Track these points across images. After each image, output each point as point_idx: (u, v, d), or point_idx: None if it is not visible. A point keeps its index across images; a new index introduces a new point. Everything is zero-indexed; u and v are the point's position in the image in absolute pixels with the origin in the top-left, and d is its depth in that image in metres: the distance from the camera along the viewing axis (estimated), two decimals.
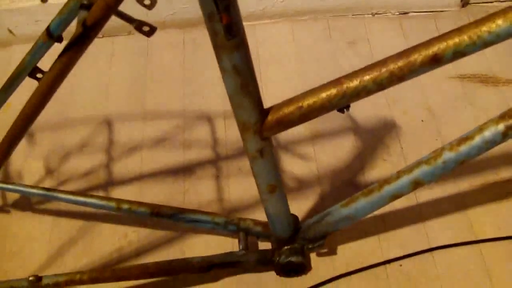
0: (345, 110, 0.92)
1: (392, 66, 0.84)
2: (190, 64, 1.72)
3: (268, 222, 1.16)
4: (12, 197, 1.47)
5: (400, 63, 0.84)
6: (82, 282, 1.17)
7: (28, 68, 0.99)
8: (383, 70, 0.85)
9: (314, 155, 1.48)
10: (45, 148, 1.56)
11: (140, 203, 1.24)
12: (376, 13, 1.79)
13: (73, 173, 1.50)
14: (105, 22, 0.77)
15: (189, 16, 1.77)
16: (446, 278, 1.27)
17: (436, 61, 0.82)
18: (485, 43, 0.78)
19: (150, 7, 0.85)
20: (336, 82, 0.89)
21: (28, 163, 1.53)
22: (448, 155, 0.96)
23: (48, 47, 0.97)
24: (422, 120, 1.53)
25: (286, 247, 1.20)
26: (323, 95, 0.89)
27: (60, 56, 0.80)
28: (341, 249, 1.32)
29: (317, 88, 0.90)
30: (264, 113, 0.92)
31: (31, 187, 1.31)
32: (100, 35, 1.77)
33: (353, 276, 1.29)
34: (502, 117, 0.90)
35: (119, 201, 1.24)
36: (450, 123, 1.52)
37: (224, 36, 0.78)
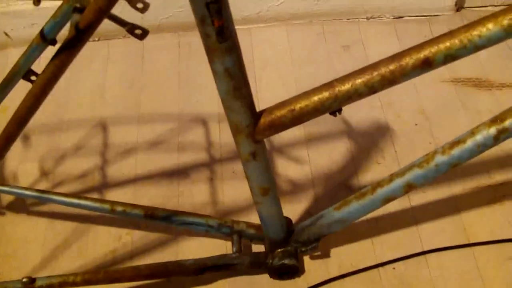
0: (337, 113, 0.92)
1: (383, 70, 0.85)
2: (185, 67, 1.72)
3: (261, 225, 1.16)
4: (6, 199, 1.47)
5: (392, 66, 0.84)
6: (75, 284, 1.18)
7: (22, 71, 0.99)
8: (375, 73, 0.85)
9: (308, 158, 1.48)
10: (40, 150, 1.56)
11: (134, 205, 1.24)
12: (371, 17, 1.80)
13: (68, 175, 1.51)
14: (97, 25, 0.77)
15: (184, 20, 1.78)
16: (439, 281, 1.27)
17: (427, 65, 0.82)
18: (476, 47, 0.79)
19: (143, 10, 0.85)
20: (328, 85, 0.89)
21: (23, 165, 1.53)
22: (440, 158, 0.96)
23: (42, 50, 0.97)
24: (416, 124, 1.53)
25: (279, 250, 1.20)
26: (315, 98, 0.89)
27: (53, 58, 0.81)
28: (334, 252, 1.33)
29: (309, 91, 0.91)
30: (257, 116, 0.92)
31: (26, 189, 1.31)
32: (96, 38, 1.80)
33: (346, 279, 1.29)
34: (494, 120, 0.90)
35: (113, 203, 1.24)
36: (444, 127, 1.52)
37: (216, 39, 0.79)
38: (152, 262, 1.23)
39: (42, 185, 1.49)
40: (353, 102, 0.89)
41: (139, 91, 1.67)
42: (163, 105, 1.64)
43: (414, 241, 1.33)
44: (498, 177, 1.42)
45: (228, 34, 0.79)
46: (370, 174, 1.44)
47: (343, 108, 0.91)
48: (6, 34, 1.80)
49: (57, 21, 0.92)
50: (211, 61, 0.83)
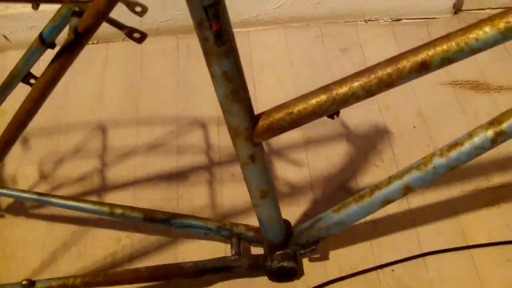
0: (335, 116, 0.93)
1: (381, 73, 0.85)
2: (184, 70, 1.73)
3: (260, 228, 1.16)
4: (6, 201, 1.47)
5: (389, 69, 0.85)
6: (75, 287, 1.17)
7: (21, 74, 1.00)
8: (372, 76, 0.86)
9: (306, 160, 1.49)
10: (39, 153, 1.56)
11: (133, 208, 1.25)
12: (368, 20, 1.80)
13: (67, 178, 1.51)
14: (96, 29, 0.78)
15: (183, 23, 1.78)
16: (438, 283, 1.28)
17: (424, 68, 0.83)
18: (473, 50, 0.79)
19: (141, 14, 0.86)
20: (326, 88, 0.90)
21: (22, 167, 1.53)
22: (438, 161, 0.97)
23: (41, 53, 0.98)
24: (414, 126, 1.53)
25: (278, 252, 1.20)
26: (313, 101, 0.90)
27: (52, 62, 0.81)
28: (333, 254, 1.33)
29: (307, 94, 0.91)
30: (255, 119, 0.93)
31: (25, 191, 1.31)
32: (94, 41, 1.81)
33: (345, 281, 1.30)
34: (491, 123, 0.91)
35: (112, 206, 1.25)
36: (442, 129, 1.53)
37: (214, 42, 0.79)
38: (151, 265, 1.24)
39: (41, 188, 1.49)
40: (351, 105, 0.90)
41: (138, 94, 1.68)
42: (162, 108, 1.64)
43: (413, 244, 1.33)
44: (496, 179, 1.43)
45: (226, 38, 0.80)
46: (369, 177, 1.45)
47: (341, 111, 0.92)
48: (5, 37, 1.80)
49: (56, 25, 0.93)
50: (209, 65, 0.84)
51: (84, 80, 1.72)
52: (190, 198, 1.44)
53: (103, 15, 0.75)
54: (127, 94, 1.68)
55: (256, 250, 1.30)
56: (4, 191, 1.31)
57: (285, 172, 1.47)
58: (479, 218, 1.37)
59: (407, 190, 1.03)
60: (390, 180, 1.04)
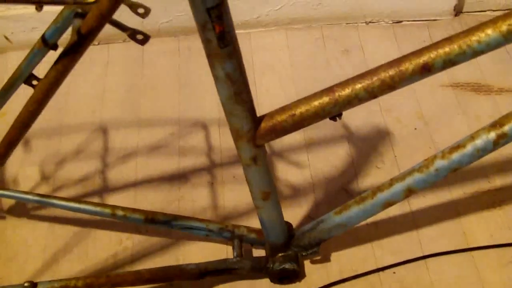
0: (337, 118, 0.93)
1: (383, 75, 0.85)
2: (185, 71, 1.73)
3: (262, 229, 1.16)
4: (7, 202, 1.47)
5: (391, 71, 0.85)
6: None
7: (24, 75, 1.00)
8: (375, 78, 0.86)
9: (308, 162, 1.49)
10: (41, 154, 1.56)
11: (135, 210, 1.25)
12: (370, 22, 1.80)
13: (69, 179, 1.51)
14: (99, 31, 0.78)
15: (184, 24, 1.78)
16: (439, 285, 1.28)
17: (426, 70, 0.83)
18: (475, 52, 0.79)
19: (144, 15, 0.86)
20: (328, 90, 0.90)
21: (23, 169, 1.53)
22: (440, 163, 0.97)
23: (43, 54, 0.98)
24: (415, 128, 1.53)
25: (280, 254, 1.20)
26: (316, 103, 0.90)
27: (55, 63, 0.81)
28: (334, 256, 1.33)
29: (309, 96, 0.91)
30: (257, 121, 0.93)
31: (26, 193, 1.32)
32: (95, 42, 1.80)
33: (346, 283, 1.30)
34: (493, 125, 0.91)
35: (113, 207, 1.25)
36: (443, 131, 1.53)
37: (217, 44, 0.79)
38: (153, 267, 1.24)
39: (43, 189, 1.49)
40: (353, 107, 0.90)
41: (139, 95, 1.68)
42: (163, 109, 1.64)
43: (414, 246, 1.33)
44: (498, 181, 1.43)
45: (229, 39, 0.80)
46: (370, 179, 1.45)
47: (343, 113, 0.92)
48: (6, 38, 1.80)
49: (58, 26, 0.93)
50: (212, 66, 0.84)
51: (85, 81, 1.72)
52: (192, 200, 1.44)
53: (106, 17, 0.75)
54: (128, 96, 1.68)
55: (258, 252, 1.30)
56: (6, 192, 1.32)
57: (287, 173, 1.47)
58: (480, 220, 1.37)
59: (409, 192, 1.02)
60: (392, 182, 1.04)
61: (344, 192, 1.43)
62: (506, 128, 0.89)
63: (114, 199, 1.46)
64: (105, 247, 1.38)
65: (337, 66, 1.69)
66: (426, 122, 1.54)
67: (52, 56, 0.94)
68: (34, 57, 0.97)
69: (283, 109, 0.93)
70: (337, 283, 1.29)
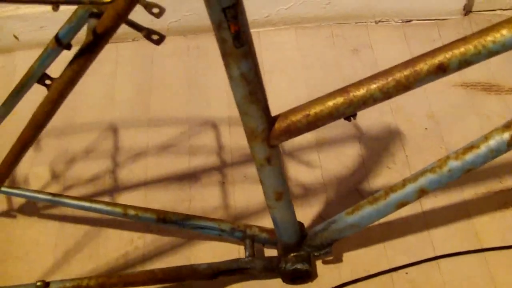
0: (351, 118, 0.92)
1: (398, 75, 0.85)
2: (194, 70, 1.73)
3: (274, 229, 1.16)
4: (17, 201, 1.47)
5: (406, 72, 0.85)
6: None
7: (37, 75, 0.99)
8: (390, 79, 0.86)
9: (319, 162, 1.48)
10: (51, 153, 1.56)
11: (146, 209, 1.25)
12: (379, 21, 1.80)
13: (79, 178, 1.51)
14: (115, 31, 0.78)
15: (194, 23, 1.78)
16: (452, 286, 1.27)
17: (442, 70, 0.83)
18: (490, 53, 0.79)
19: (158, 15, 0.86)
20: (343, 90, 0.89)
21: (34, 168, 1.53)
22: (453, 163, 0.96)
23: (56, 54, 0.97)
24: (426, 128, 1.53)
25: (292, 254, 1.20)
26: (330, 103, 0.90)
27: (70, 63, 0.81)
28: (346, 256, 1.33)
29: (324, 97, 0.91)
30: (272, 121, 0.93)
31: (38, 192, 1.32)
32: None
33: (359, 284, 1.29)
34: (507, 126, 0.91)
35: (125, 207, 1.25)
36: (454, 131, 1.52)
37: (233, 44, 0.79)
38: (164, 266, 1.23)
39: (53, 188, 1.49)
40: (368, 108, 0.90)
41: (149, 94, 1.68)
42: (172, 109, 1.64)
43: (426, 246, 1.33)
44: (510, 182, 1.42)
45: (244, 39, 0.80)
46: (381, 179, 1.44)
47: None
48: (15, 36, 1.81)
49: (72, 26, 0.93)
50: (227, 66, 0.84)
51: (94, 80, 1.71)
52: (202, 199, 1.44)
53: (122, 17, 0.74)
54: (138, 95, 1.68)
55: (269, 252, 1.30)
56: (17, 191, 1.32)
57: (298, 173, 1.47)
58: (492, 220, 1.36)
59: (422, 192, 1.02)
60: (404, 182, 1.03)
61: (355, 192, 1.42)
62: None
63: (124, 199, 1.46)
64: (116, 246, 1.38)
65: (347, 65, 1.69)
66: (437, 122, 1.54)
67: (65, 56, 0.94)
68: (48, 56, 0.97)
69: (297, 109, 0.92)
70: (349, 284, 1.29)
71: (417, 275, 1.29)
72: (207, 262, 1.21)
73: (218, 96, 1.64)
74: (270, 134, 0.93)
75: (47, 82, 0.99)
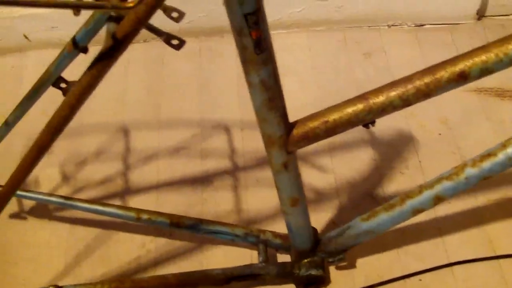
0: (370, 125, 0.92)
1: (418, 83, 0.85)
2: (206, 72, 1.72)
3: (288, 235, 1.15)
4: (28, 203, 1.47)
5: (427, 79, 0.84)
6: None
7: (52, 78, 0.99)
8: (409, 86, 0.85)
9: (332, 166, 1.47)
10: (62, 155, 1.56)
11: (160, 213, 1.24)
12: (392, 25, 1.79)
13: (89, 180, 1.50)
14: (135, 35, 0.77)
15: (205, 25, 1.77)
16: None
17: (463, 78, 0.82)
18: None
19: (178, 19, 0.85)
20: (362, 97, 0.89)
21: (44, 170, 1.53)
22: (470, 171, 0.95)
23: (73, 57, 0.97)
24: (439, 133, 1.52)
25: (306, 260, 1.19)
26: (349, 110, 0.89)
27: (89, 68, 0.80)
28: (360, 262, 1.32)
29: (342, 103, 0.90)
30: (290, 127, 0.92)
31: (49, 195, 1.31)
32: None
33: None
34: None
35: (138, 211, 1.24)
36: (467, 137, 1.51)
37: (253, 50, 0.79)
38: (176, 270, 1.23)
39: (64, 190, 1.48)
40: (387, 115, 0.89)
41: (160, 96, 1.67)
42: (184, 111, 1.63)
43: (440, 253, 1.32)
44: None
45: (265, 46, 0.79)
46: (394, 184, 1.43)
47: None
48: (25, 36, 1.80)
49: (89, 29, 0.93)
50: (246, 73, 0.83)
51: (105, 81, 1.67)
52: (215, 203, 1.43)
53: (143, 21, 0.74)
54: (149, 96, 1.68)
55: (282, 258, 1.29)
56: (29, 194, 1.31)
57: (310, 178, 1.46)
58: (506, 227, 1.35)
59: (438, 200, 1.01)
60: (421, 189, 1.03)
61: (368, 197, 1.41)
62: None
63: (135, 201, 1.45)
64: (127, 250, 1.38)
65: (359, 69, 1.68)
66: (450, 127, 1.53)
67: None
68: (64, 59, 0.97)
69: (316, 116, 0.92)
70: None
71: (431, 281, 1.28)
72: (220, 268, 1.20)
73: (230, 98, 1.63)
74: (288, 140, 0.92)
75: (62, 85, 0.99)
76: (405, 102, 0.87)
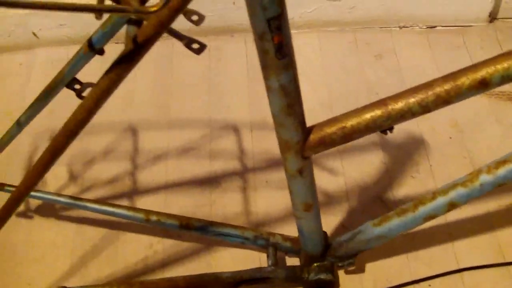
0: (388, 131, 0.91)
1: (438, 89, 0.84)
2: (215, 72, 1.71)
3: (298, 238, 1.15)
4: (35, 202, 1.46)
5: (447, 86, 0.83)
6: None
7: (67, 79, 0.98)
8: (430, 93, 0.84)
9: (342, 169, 1.46)
10: (69, 154, 1.54)
11: (169, 215, 1.23)
12: (403, 26, 1.78)
13: (97, 180, 1.50)
14: (156, 39, 0.76)
15: (214, 25, 1.76)
16: None
17: (484, 85, 0.81)
18: None
19: (198, 22, 0.84)
20: (381, 103, 0.88)
21: (51, 168, 1.51)
22: (485, 178, 0.95)
23: (88, 59, 0.96)
24: (450, 137, 1.51)
25: (315, 264, 1.18)
26: (367, 116, 0.88)
27: (108, 72, 0.79)
28: (369, 267, 1.31)
29: (360, 109, 0.89)
30: (306, 132, 0.91)
31: (57, 194, 1.30)
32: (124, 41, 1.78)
33: None
34: None
35: (147, 212, 1.23)
36: (478, 141, 1.50)
37: (274, 55, 0.78)
38: (185, 271, 1.22)
39: (71, 190, 1.47)
40: (406, 121, 0.88)
41: (169, 96, 1.66)
42: (193, 111, 1.62)
43: (449, 258, 1.31)
44: None
45: (286, 51, 0.79)
46: (405, 188, 1.42)
47: None
48: (34, 34, 1.79)
49: (106, 31, 0.91)
50: (266, 78, 0.82)
51: None
52: (223, 205, 1.43)
53: (165, 25, 0.73)
54: (158, 96, 1.67)
55: (291, 261, 1.28)
56: (36, 193, 1.30)
57: (320, 180, 1.45)
58: None
59: (452, 206, 1.01)
60: (434, 195, 1.02)
61: (378, 201, 1.41)
62: None
63: (143, 202, 1.44)
64: (135, 250, 1.37)
65: (370, 71, 1.67)
66: (461, 131, 1.52)
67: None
68: (79, 61, 0.95)
69: (332, 121, 0.91)
70: None
71: (440, 287, 1.28)
72: (230, 271, 1.19)
73: (239, 98, 1.62)
74: (305, 145, 0.91)
75: (77, 86, 0.98)
76: (424, 108, 0.86)
